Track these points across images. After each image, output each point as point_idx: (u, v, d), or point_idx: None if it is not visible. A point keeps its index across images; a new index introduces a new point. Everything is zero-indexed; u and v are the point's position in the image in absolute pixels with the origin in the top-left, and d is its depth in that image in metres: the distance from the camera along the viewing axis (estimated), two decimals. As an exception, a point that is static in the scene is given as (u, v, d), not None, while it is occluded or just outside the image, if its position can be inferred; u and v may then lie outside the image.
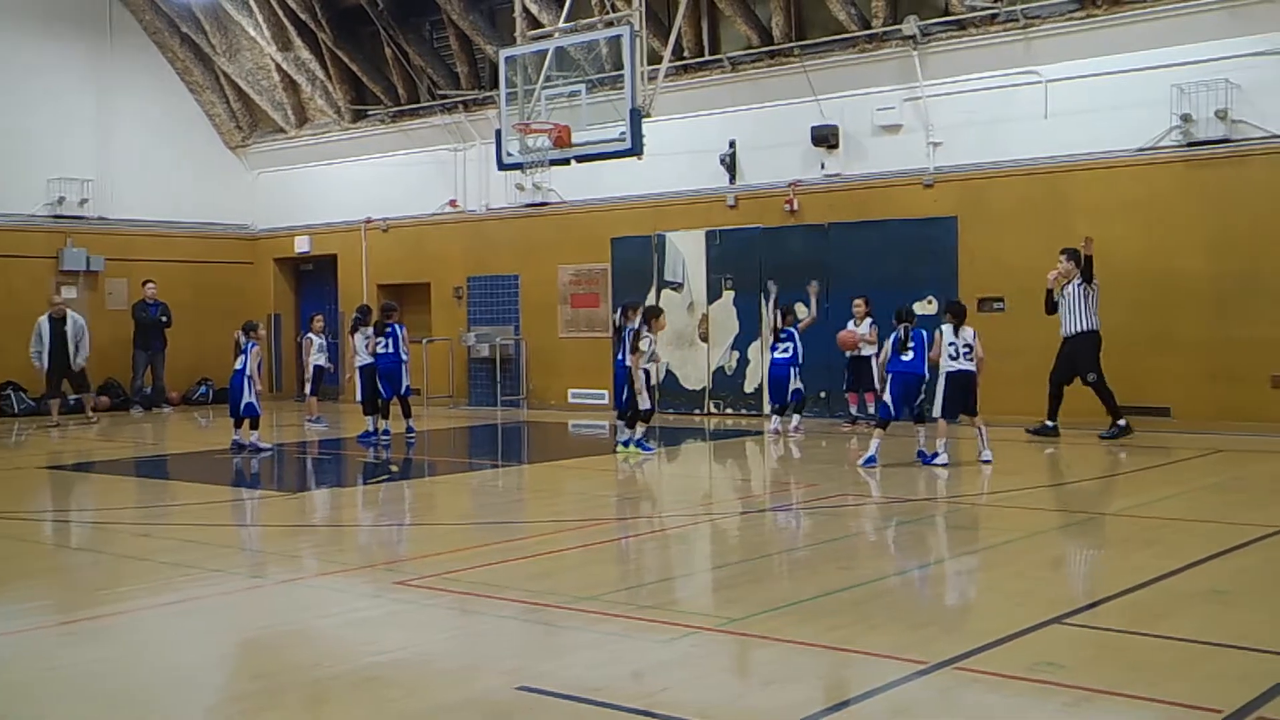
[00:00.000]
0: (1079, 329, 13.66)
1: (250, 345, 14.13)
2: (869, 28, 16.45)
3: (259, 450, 14.02)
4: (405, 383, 15.40)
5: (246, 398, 14.04)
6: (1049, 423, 13.92)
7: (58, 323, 18.56)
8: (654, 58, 15.64)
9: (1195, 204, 14.37)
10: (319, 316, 18.85)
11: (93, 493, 11.81)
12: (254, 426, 14.15)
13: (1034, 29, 15.32)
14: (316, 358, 17.62)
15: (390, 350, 15.23)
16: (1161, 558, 8.07)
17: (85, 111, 21.47)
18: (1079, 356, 13.65)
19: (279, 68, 22.19)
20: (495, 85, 17.09)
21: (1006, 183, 15.65)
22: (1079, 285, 13.66)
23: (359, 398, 15.85)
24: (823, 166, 17.02)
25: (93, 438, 17.24)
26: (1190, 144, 14.35)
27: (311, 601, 6.91)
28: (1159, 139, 14.57)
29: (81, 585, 7.68)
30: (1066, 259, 13.81)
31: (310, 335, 17.60)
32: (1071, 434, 13.86)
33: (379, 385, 15.32)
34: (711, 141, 17.90)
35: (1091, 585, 7.01)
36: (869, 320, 15.39)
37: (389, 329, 15.24)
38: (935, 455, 11.69)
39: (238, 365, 14.18)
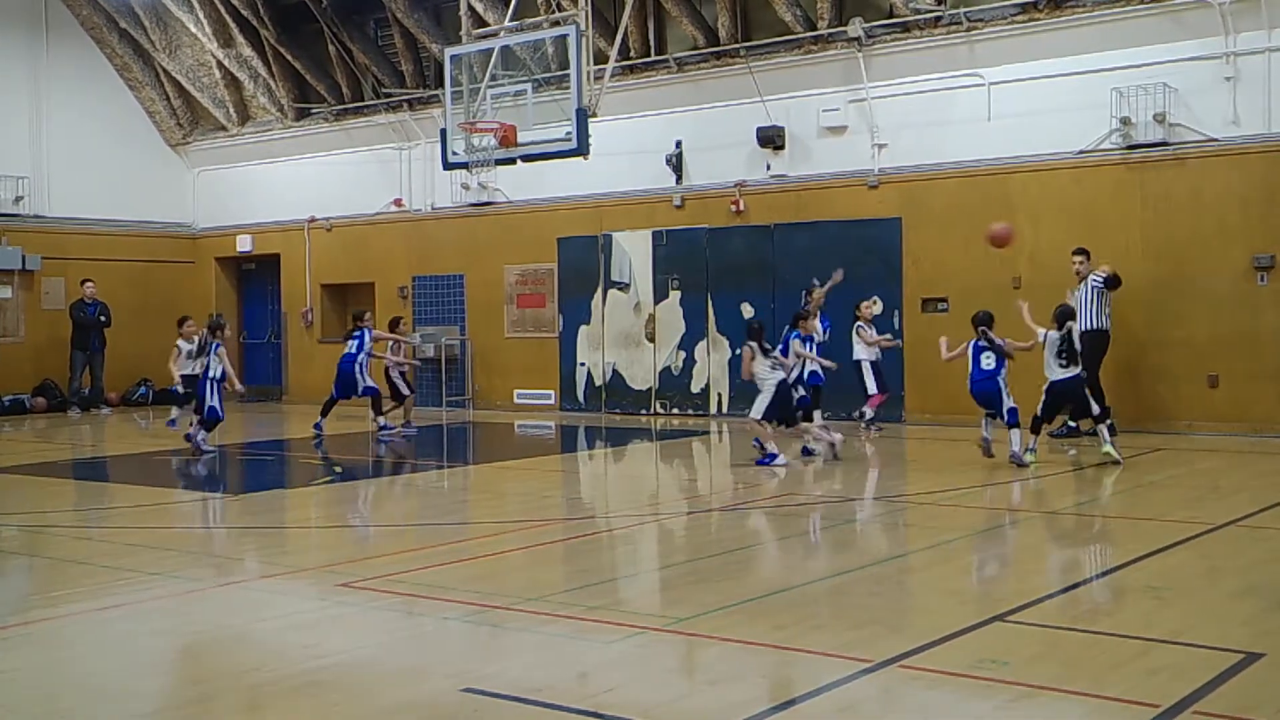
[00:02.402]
0: (1087, 327, 13.76)
1: (215, 345, 13.75)
2: (814, 29, 16.54)
3: (200, 449, 13.70)
4: (364, 383, 15.61)
5: (209, 401, 13.62)
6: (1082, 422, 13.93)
7: None
8: (600, 58, 15.62)
9: (1133, 206, 14.59)
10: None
11: (28, 496, 11.55)
12: (206, 427, 13.83)
13: (977, 32, 15.48)
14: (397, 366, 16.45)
15: (353, 351, 15.67)
16: (1101, 555, 8.19)
17: (20, 107, 21.05)
18: (1083, 352, 13.76)
19: (220, 65, 21.91)
20: (440, 84, 17.02)
21: (949, 184, 15.79)
22: (1094, 286, 13.73)
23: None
24: (768, 167, 17.08)
25: (29, 439, 16.91)
26: (1129, 147, 14.55)
27: (252, 605, 6.81)
28: (1098, 142, 14.76)
29: (15, 590, 7.53)
30: (1086, 259, 13.88)
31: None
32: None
33: (333, 386, 15.76)
34: (658, 142, 17.90)
35: (1034, 582, 7.08)
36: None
37: (357, 333, 15.73)
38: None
39: (198, 369, 13.83)
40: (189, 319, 16.35)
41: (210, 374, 13.67)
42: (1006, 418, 11.65)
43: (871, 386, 14.74)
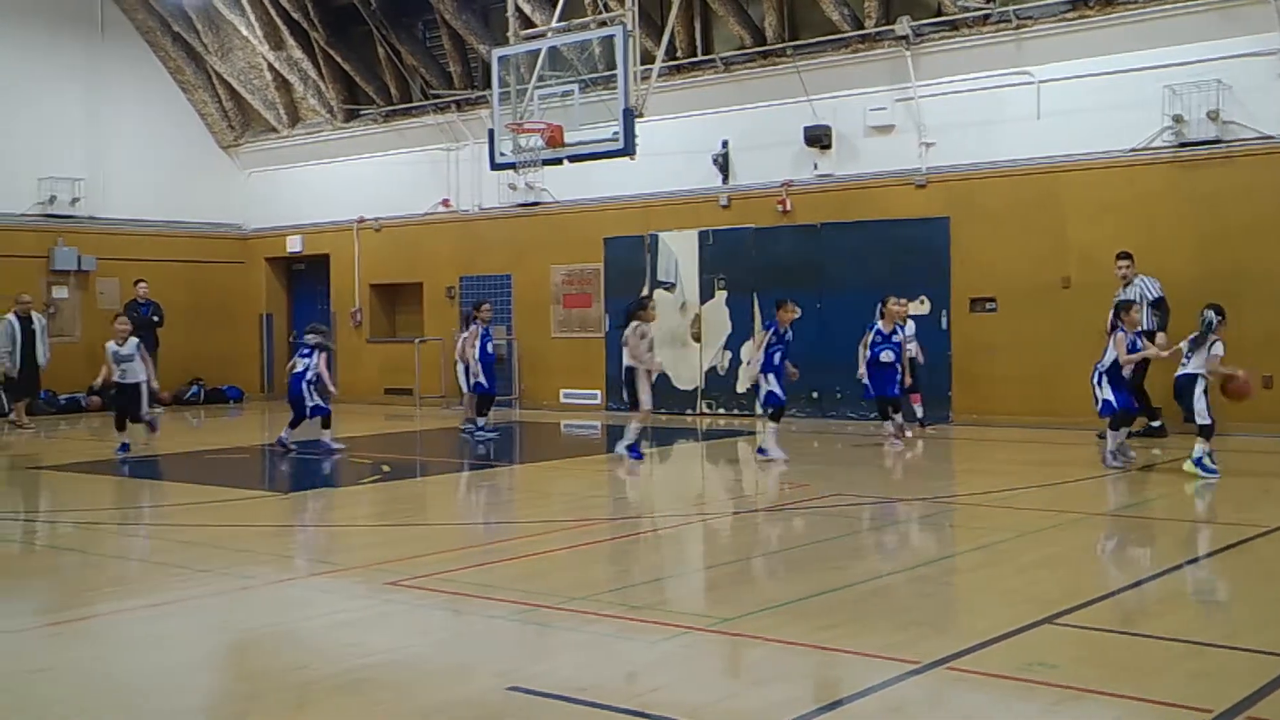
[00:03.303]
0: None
1: (311, 350, 14.14)
2: (861, 28, 16.47)
3: (330, 449, 13.98)
4: (476, 380, 15.28)
5: (310, 400, 14.00)
6: (1153, 424, 13.80)
7: (25, 321, 18.30)
8: (647, 58, 15.64)
9: (1186, 204, 14.40)
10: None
11: (81, 493, 11.76)
12: (325, 425, 14.19)
13: (1026, 30, 15.34)
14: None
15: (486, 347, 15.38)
16: (1152, 557, 8.09)
17: (76, 110, 21.41)
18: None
19: (271, 67, 22.16)
20: (488, 85, 17.09)
21: (998, 183, 15.67)
22: (1143, 296, 13.58)
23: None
24: (815, 167, 17.03)
25: (84, 438, 17.17)
26: (1181, 145, 14.37)
27: (300, 602, 6.88)
28: (1150, 140, 14.59)
29: (68, 586, 7.65)
30: (1130, 264, 13.74)
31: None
32: (1069, 434, 13.86)
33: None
34: (704, 141, 17.90)
35: (1082, 585, 7.00)
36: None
37: (481, 327, 15.41)
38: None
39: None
40: (121, 315, 15.19)
41: (307, 375, 13.99)
42: (1099, 409, 11.57)
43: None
